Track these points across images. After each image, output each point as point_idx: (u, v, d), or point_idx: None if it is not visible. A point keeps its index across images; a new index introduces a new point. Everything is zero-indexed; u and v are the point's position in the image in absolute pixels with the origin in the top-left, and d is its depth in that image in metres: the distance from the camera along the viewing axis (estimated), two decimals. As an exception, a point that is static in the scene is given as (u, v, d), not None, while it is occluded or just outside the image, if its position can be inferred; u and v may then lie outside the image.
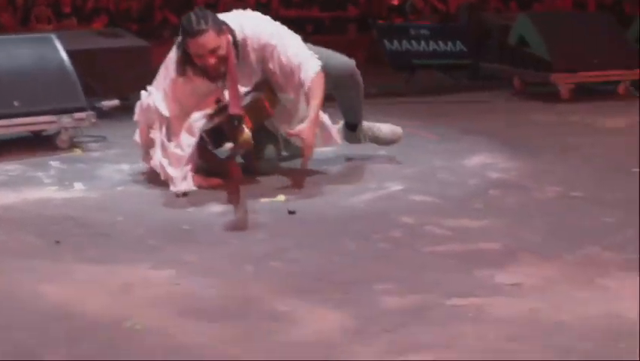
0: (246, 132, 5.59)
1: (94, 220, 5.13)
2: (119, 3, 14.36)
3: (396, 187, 5.76)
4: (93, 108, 7.60)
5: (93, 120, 7.17)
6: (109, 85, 8.39)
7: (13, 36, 7.92)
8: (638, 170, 6.09)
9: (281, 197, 5.53)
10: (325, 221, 5.07)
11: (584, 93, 9.27)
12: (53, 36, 7.50)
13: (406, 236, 4.77)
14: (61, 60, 7.28)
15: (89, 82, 7.84)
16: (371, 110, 7.52)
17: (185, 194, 5.62)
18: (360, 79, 6.35)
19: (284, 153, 6.30)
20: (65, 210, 5.37)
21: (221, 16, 5.84)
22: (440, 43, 10.39)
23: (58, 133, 7.10)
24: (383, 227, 4.90)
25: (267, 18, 5.99)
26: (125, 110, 8.42)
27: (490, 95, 9.53)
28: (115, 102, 8.36)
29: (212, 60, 5.64)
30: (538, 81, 9.46)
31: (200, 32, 5.60)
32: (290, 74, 5.79)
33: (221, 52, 5.65)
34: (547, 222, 5.02)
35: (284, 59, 5.77)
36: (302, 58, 5.79)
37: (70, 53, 7.42)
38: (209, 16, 5.68)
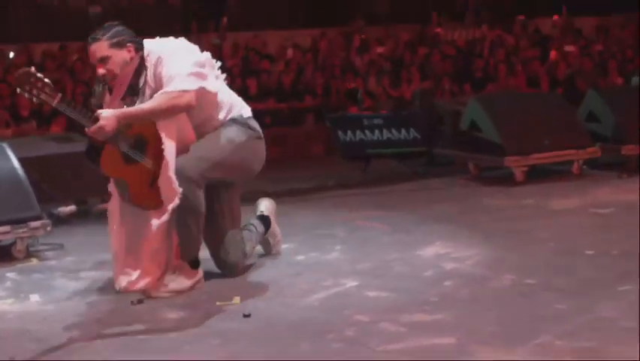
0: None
1: (49, 334, 5.11)
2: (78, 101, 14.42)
3: (351, 283, 5.79)
4: (50, 215, 7.61)
5: (48, 229, 7.15)
6: (65, 191, 8.38)
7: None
8: (591, 252, 6.18)
9: (236, 299, 5.54)
10: (280, 323, 5.08)
11: (539, 174, 9.36)
12: (4, 145, 7.51)
13: (360, 335, 4.79)
14: (14, 169, 7.27)
15: (45, 188, 7.83)
16: (327, 202, 7.62)
17: (140, 301, 5.61)
18: (192, 195, 5.69)
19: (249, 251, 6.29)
20: (21, 323, 5.36)
21: (155, 40, 5.85)
22: (394, 131, 10.47)
23: (13, 243, 7.08)
24: (337, 326, 4.93)
25: (186, 43, 5.84)
26: (82, 215, 8.49)
27: (446, 181, 9.59)
28: (72, 208, 8.39)
29: (100, 70, 5.67)
30: (493, 165, 9.54)
31: (93, 41, 5.70)
32: (161, 86, 5.68)
33: (112, 65, 5.66)
34: (501, 312, 5.07)
35: (163, 71, 5.67)
36: (179, 73, 5.60)
37: (24, 160, 7.43)
38: (112, 30, 5.71)
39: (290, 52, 17.06)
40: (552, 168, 9.61)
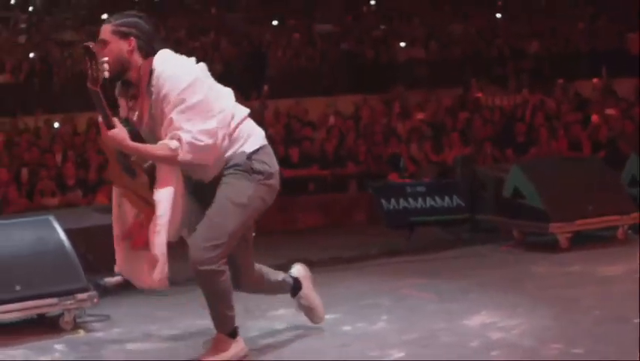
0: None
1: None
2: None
3: (398, 354, 5.78)
4: (96, 286, 7.65)
5: (95, 300, 7.20)
6: (110, 261, 8.43)
7: (12, 220, 8.00)
8: (638, 320, 6.12)
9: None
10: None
11: (584, 240, 9.32)
12: (51, 217, 7.58)
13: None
14: (60, 241, 7.35)
15: (91, 259, 7.90)
16: (371, 270, 7.61)
17: None
18: (210, 283, 5.65)
19: None
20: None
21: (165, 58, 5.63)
22: (437, 198, 10.49)
23: (61, 314, 7.14)
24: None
25: (192, 68, 5.59)
26: (128, 286, 8.50)
27: (490, 248, 9.57)
28: (118, 279, 8.40)
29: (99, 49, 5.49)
30: (537, 232, 9.52)
31: (105, 22, 5.66)
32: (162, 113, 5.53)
33: (107, 52, 5.50)
34: (549, 384, 5.05)
35: (167, 108, 5.47)
36: (189, 133, 5.41)
37: (70, 232, 7.50)
38: (127, 19, 5.62)
39: (332, 119, 17.18)
40: (596, 234, 9.57)
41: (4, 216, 10.02)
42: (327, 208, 13.86)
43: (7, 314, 7.00)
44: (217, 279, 5.60)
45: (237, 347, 5.81)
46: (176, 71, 5.49)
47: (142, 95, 5.61)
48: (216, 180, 5.70)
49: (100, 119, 5.48)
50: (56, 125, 18.14)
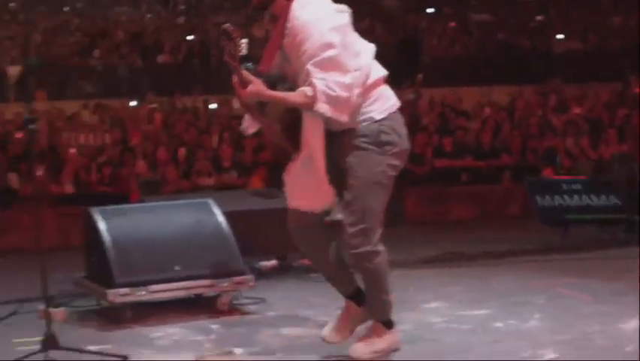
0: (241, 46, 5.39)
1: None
2: (279, 156, 14.77)
3: (550, 355, 5.73)
4: (252, 269, 7.81)
5: (251, 284, 7.34)
6: (266, 246, 8.62)
7: (173, 202, 8.23)
8: None
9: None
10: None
11: None
12: (210, 200, 7.78)
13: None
14: (219, 224, 7.53)
15: (247, 243, 8.05)
16: (524, 267, 7.55)
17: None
18: (364, 265, 5.64)
19: None
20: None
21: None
22: (593, 197, 10.34)
23: (217, 296, 7.31)
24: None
25: (330, 16, 5.46)
26: (283, 270, 8.70)
27: (648, 249, 9.40)
28: (273, 263, 8.61)
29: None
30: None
31: None
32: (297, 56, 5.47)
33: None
34: None
35: (304, 56, 5.39)
36: (322, 80, 5.33)
37: (227, 215, 7.68)
38: None
39: (487, 109, 17.06)
40: None
41: (164, 197, 10.32)
42: (481, 200, 13.84)
43: (166, 293, 7.20)
44: (372, 260, 5.60)
45: (392, 339, 5.82)
46: (313, 20, 5.39)
47: (278, 32, 5.54)
48: (346, 137, 5.59)
49: (234, 79, 5.45)
50: (213, 106, 18.48)
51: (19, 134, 14.78)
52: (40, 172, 13.83)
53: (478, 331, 6.39)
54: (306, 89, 5.33)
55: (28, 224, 12.65)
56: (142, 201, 9.92)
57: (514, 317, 6.70)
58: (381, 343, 5.77)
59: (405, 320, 6.56)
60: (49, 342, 6.04)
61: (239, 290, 7.38)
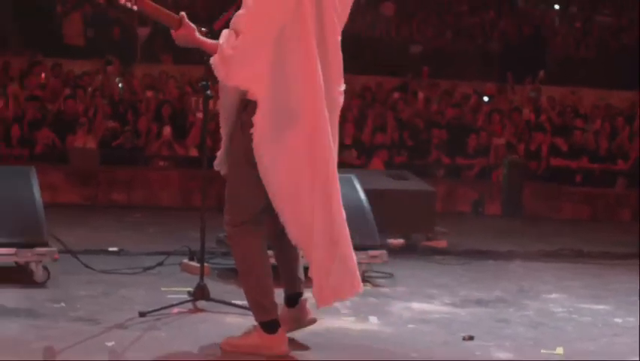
0: None
1: (389, 354, 5.73)
2: (394, 138, 15.21)
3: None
4: (381, 246, 8.28)
5: (385, 259, 7.81)
6: (395, 224, 9.07)
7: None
8: None
9: (559, 350, 5.96)
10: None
11: None
12: (353, 176, 8.23)
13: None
14: (360, 200, 8.01)
15: (378, 220, 8.48)
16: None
17: (471, 337, 6.12)
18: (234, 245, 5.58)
19: None
20: (362, 341, 6.01)
21: None
22: None
23: (354, 266, 7.76)
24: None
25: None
26: (408, 249, 9.16)
27: None
28: (400, 241, 9.07)
29: None
30: None
31: None
32: None
33: None
34: None
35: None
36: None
37: (366, 192, 8.12)
38: None
39: (605, 113, 17.19)
40: None
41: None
42: (593, 202, 14.09)
43: None
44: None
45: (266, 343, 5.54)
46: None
47: None
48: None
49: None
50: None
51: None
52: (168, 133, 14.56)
53: (599, 324, 6.75)
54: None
55: (154, 181, 13.35)
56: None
57: (634, 315, 7.00)
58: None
59: (527, 306, 6.99)
60: (199, 292, 6.60)
61: (372, 263, 7.81)
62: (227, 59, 5.32)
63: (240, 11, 5.37)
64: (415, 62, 19.77)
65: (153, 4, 5.57)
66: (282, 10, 5.34)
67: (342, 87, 5.58)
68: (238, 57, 5.31)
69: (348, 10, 5.61)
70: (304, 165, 5.39)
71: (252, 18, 5.32)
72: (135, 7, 5.48)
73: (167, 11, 5.57)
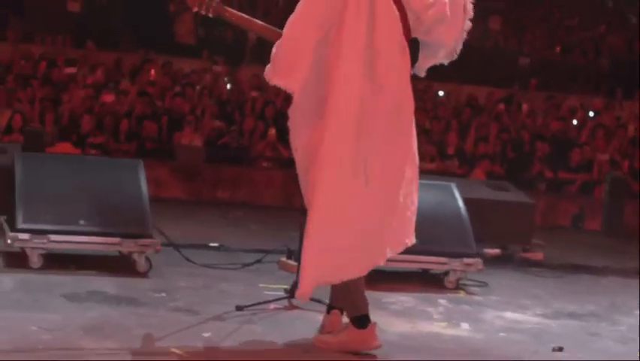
0: None
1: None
2: (496, 148, 15.19)
3: None
4: (477, 254, 8.34)
5: (480, 267, 7.88)
6: (493, 235, 9.12)
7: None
8: None
9: None
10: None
11: None
12: (453, 185, 8.33)
13: None
14: (458, 208, 8.10)
15: (476, 229, 8.55)
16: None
17: (560, 348, 6.16)
18: None
19: None
20: (453, 346, 6.11)
21: None
22: None
23: (446, 273, 7.87)
24: None
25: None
26: (504, 259, 9.21)
27: None
28: (496, 251, 9.13)
29: None
30: None
31: None
32: None
33: None
34: None
35: None
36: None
37: (465, 201, 8.21)
38: None
39: None
40: None
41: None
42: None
43: (399, 263, 7.51)
44: None
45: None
46: None
47: None
48: None
49: None
50: (441, 93, 18.87)
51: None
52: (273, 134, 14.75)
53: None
54: None
55: (258, 181, 13.55)
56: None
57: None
58: None
59: (620, 322, 7.03)
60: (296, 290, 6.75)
61: (466, 271, 7.88)
62: (272, 58, 5.53)
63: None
64: (523, 73, 19.71)
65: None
66: (326, 14, 5.46)
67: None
68: (280, 56, 5.50)
69: (460, 21, 5.87)
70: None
71: (295, 20, 5.49)
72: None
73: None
